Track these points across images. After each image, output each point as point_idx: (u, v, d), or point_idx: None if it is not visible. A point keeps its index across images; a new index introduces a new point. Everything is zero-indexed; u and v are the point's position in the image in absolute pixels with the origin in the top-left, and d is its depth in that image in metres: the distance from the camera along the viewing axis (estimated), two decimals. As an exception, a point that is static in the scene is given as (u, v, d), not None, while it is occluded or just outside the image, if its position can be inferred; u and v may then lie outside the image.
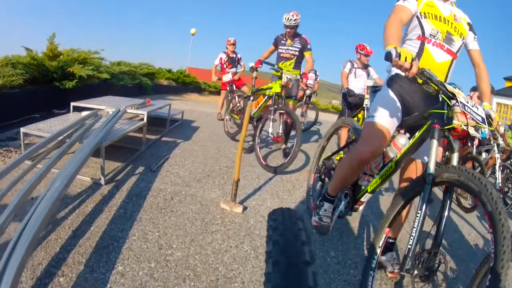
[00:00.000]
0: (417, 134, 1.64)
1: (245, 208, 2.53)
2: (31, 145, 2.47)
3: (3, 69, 3.55)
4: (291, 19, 3.95)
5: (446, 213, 1.48)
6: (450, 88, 1.53)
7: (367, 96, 4.69)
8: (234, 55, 6.49)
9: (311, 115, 7.68)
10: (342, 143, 4.96)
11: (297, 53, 4.12)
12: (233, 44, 6.45)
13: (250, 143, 4.29)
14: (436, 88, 1.53)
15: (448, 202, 1.50)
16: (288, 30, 4.02)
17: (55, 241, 1.81)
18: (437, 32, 1.77)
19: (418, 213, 1.47)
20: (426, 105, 1.70)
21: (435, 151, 1.49)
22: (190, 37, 16.48)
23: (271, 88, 3.77)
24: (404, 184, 1.88)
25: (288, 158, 3.30)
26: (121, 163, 3.05)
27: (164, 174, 2.99)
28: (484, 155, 4.39)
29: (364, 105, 4.62)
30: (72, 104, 3.50)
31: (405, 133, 1.83)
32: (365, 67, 5.01)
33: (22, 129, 2.75)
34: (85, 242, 1.85)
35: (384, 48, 1.53)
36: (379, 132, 1.74)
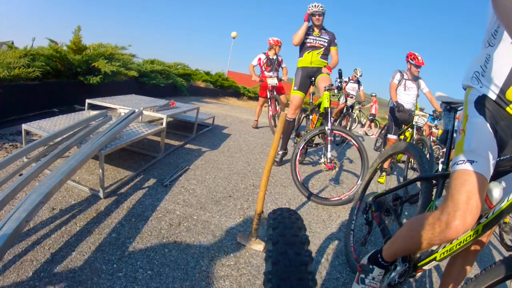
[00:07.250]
0: None
1: (268, 246, 2.06)
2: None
3: (19, 61, 3.43)
4: (318, 5, 3.70)
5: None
6: None
7: (418, 112, 4.30)
8: (275, 57, 6.06)
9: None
10: (386, 165, 4.39)
11: (326, 44, 3.83)
12: (279, 46, 6.04)
13: (280, 152, 3.93)
14: None
15: None
16: (316, 17, 3.74)
17: (30, 263, 1.58)
18: None
19: None
20: None
21: None
22: (230, 40, 16.50)
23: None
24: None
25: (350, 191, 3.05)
26: (132, 172, 2.75)
27: (178, 190, 2.62)
28: None
29: (413, 123, 4.25)
30: (87, 101, 3.27)
31: (499, 181, 1.24)
32: (415, 79, 4.59)
33: (24, 126, 2.56)
34: (61, 271, 1.57)
35: None
36: (478, 188, 1.11)
